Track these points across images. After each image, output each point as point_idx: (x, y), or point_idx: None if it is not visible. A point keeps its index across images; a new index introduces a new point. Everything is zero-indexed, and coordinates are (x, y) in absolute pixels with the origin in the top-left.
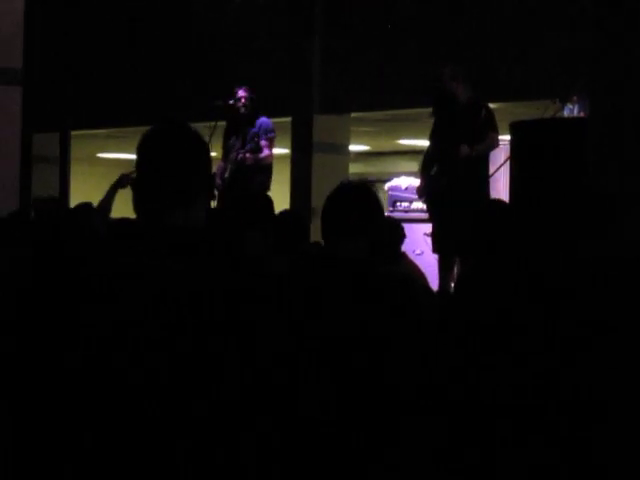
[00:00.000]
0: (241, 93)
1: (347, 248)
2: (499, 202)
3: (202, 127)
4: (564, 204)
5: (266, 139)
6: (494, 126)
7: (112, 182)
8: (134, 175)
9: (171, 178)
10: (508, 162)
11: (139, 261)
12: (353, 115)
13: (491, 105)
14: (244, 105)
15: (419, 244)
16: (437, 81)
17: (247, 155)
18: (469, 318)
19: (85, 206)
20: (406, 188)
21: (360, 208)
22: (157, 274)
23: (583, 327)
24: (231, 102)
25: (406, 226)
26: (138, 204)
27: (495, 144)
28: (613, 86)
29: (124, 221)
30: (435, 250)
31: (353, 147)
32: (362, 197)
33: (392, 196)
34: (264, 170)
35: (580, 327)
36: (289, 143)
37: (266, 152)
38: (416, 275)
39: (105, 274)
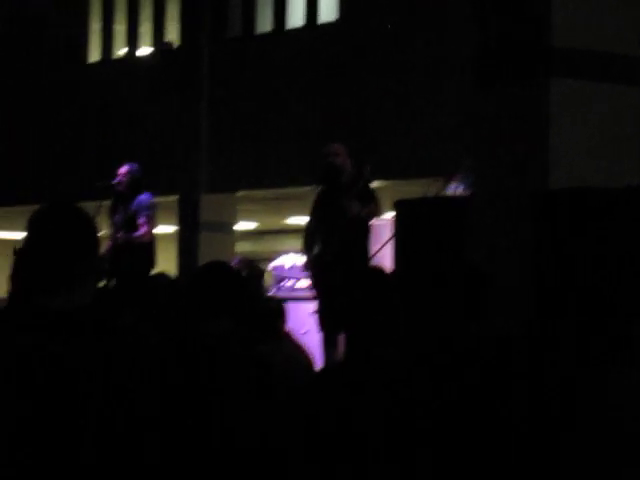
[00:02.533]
0: (121, 171)
1: (211, 328)
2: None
3: (92, 206)
4: (445, 282)
5: (143, 216)
6: (375, 197)
7: None
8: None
9: (54, 262)
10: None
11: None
12: (239, 194)
13: (376, 183)
14: (121, 183)
15: (304, 323)
16: (327, 156)
17: (118, 235)
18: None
19: None
20: (290, 267)
21: (223, 289)
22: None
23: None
24: (115, 181)
25: (291, 305)
26: (19, 283)
27: (378, 212)
28: (498, 166)
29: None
30: (320, 327)
31: (240, 226)
32: (225, 278)
33: (276, 275)
34: (141, 248)
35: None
36: (176, 221)
37: (142, 230)
38: (299, 355)
39: None
